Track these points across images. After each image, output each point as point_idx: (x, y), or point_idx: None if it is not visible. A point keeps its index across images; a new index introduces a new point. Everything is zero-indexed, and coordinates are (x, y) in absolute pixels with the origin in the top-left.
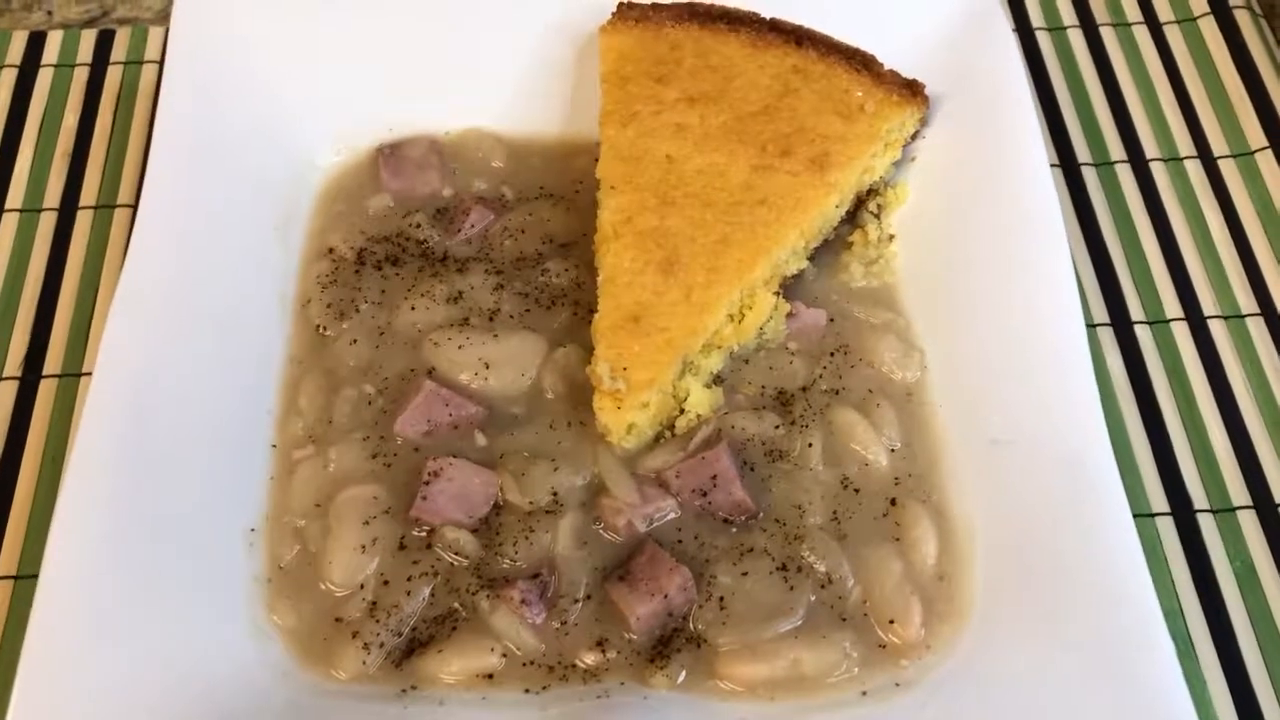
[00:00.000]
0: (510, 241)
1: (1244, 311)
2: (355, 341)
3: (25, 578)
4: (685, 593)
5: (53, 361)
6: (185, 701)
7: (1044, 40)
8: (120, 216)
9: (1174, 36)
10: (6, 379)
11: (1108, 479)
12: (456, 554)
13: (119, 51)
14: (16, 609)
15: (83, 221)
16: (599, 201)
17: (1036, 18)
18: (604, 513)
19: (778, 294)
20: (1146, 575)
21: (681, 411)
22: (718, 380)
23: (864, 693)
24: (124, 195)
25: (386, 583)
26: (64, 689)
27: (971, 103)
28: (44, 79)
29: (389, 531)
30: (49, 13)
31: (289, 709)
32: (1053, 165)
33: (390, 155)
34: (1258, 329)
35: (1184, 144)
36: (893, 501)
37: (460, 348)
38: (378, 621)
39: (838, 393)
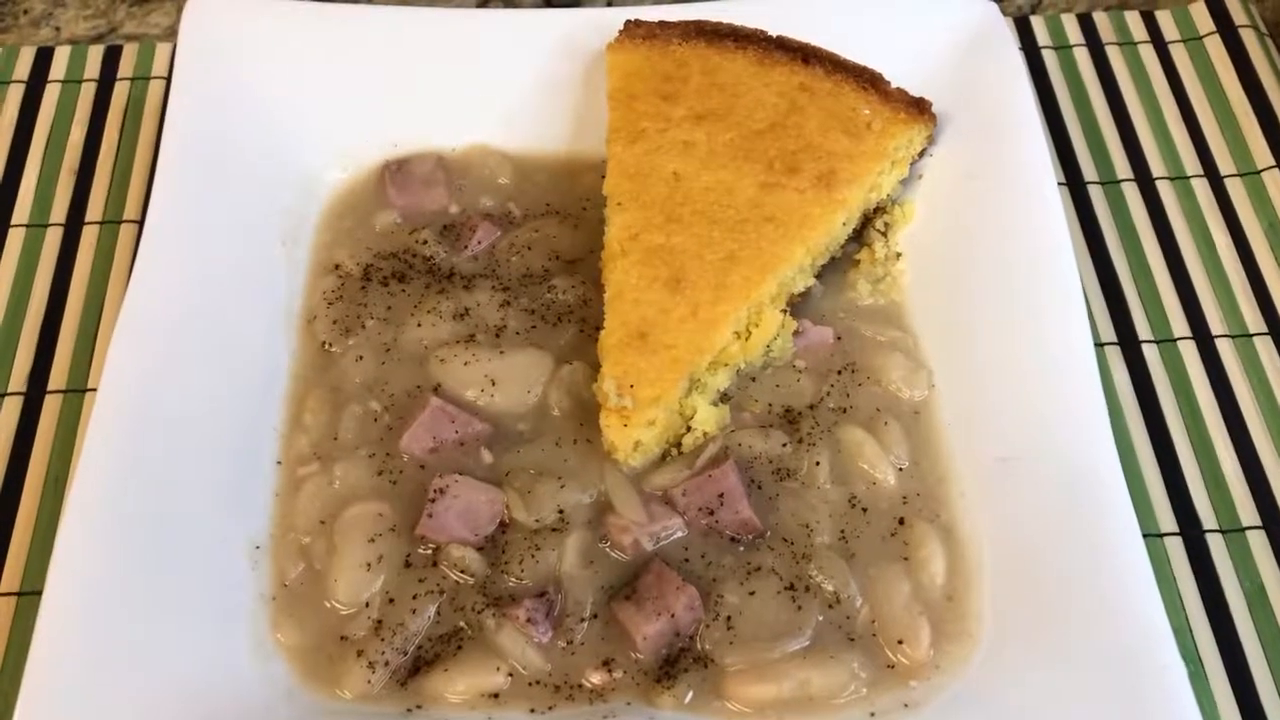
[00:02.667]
0: (517, 258)
1: (1251, 330)
2: (361, 358)
3: (28, 594)
4: (692, 612)
5: (57, 377)
6: None
7: (1050, 59)
8: (126, 232)
9: (1180, 56)
10: (11, 394)
11: (1116, 497)
12: (462, 572)
13: (126, 68)
14: (19, 625)
15: (88, 237)
16: (606, 218)
17: (1043, 36)
18: (610, 531)
19: (785, 311)
20: (1156, 593)
21: (688, 429)
22: (725, 398)
23: (872, 714)
24: (130, 211)
25: (392, 601)
26: (67, 706)
27: (978, 121)
28: (51, 94)
29: (394, 549)
30: (56, 29)
31: None
32: (1059, 184)
33: (397, 172)
34: (1265, 348)
35: (1190, 163)
36: (901, 520)
37: (466, 364)
38: (383, 640)
39: (845, 411)
